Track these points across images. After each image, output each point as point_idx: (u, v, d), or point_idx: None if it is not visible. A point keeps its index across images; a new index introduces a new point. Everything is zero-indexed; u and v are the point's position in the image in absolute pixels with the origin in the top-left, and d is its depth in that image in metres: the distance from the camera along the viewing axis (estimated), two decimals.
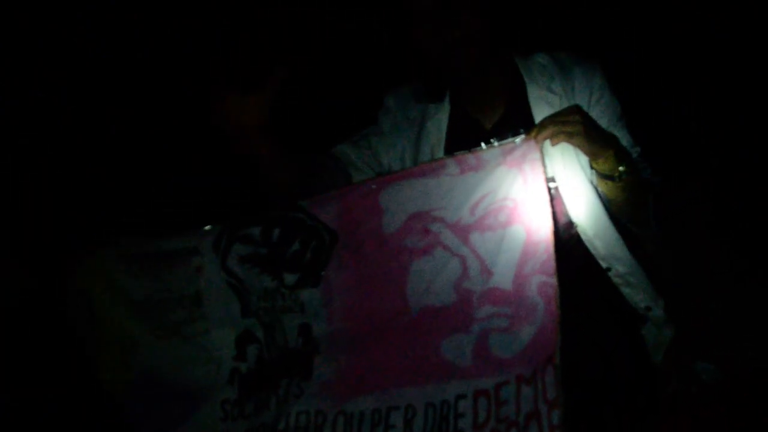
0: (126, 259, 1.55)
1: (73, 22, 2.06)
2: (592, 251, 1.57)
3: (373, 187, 1.47)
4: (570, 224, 1.57)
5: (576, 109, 1.47)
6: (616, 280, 1.57)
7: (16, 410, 1.76)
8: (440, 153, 1.62)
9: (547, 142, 1.45)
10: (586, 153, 1.49)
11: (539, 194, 1.43)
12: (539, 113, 1.59)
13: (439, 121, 1.65)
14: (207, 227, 1.51)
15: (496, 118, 1.65)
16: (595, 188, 1.57)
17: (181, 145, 2.13)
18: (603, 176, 1.52)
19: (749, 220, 1.81)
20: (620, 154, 1.50)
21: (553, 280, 1.35)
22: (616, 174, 1.49)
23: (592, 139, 1.45)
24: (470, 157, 1.45)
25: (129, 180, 2.05)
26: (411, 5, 1.55)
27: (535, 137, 1.44)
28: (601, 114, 1.60)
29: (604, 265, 1.57)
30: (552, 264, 1.38)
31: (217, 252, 1.50)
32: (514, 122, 1.61)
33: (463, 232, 1.42)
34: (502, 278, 1.38)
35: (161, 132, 2.12)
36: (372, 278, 1.44)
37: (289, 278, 1.47)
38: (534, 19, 1.74)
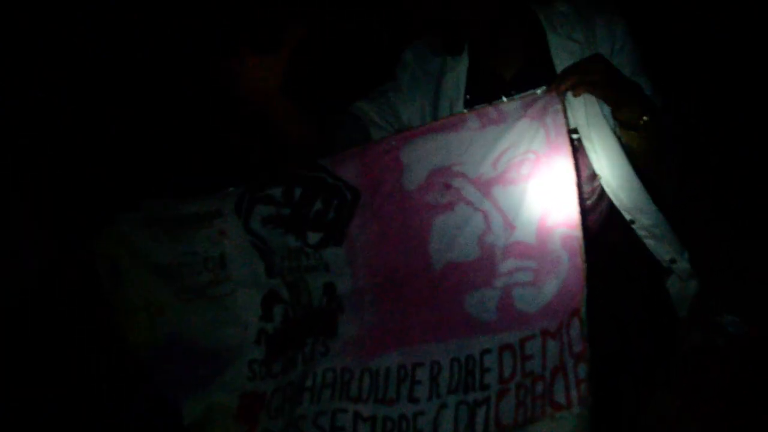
0: (149, 223, 1.55)
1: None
2: (616, 203, 1.54)
3: (393, 143, 1.45)
4: (593, 176, 1.55)
5: (598, 58, 1.44)
6: (640, 232, 1.55)
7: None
8: (459, 106, 1.59)
9: (570, 93, 1.44)
10: (609, 103, 1.46)
11: (562, 146, 1.41)
12: (560, 62, 1.56)
13: (458, 74, 1.62)
14: (229, 189, 1.51)
15: (516, 68, 1.62)
16: (619, 139, 1.53)
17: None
18: (626, 126, 1.48)
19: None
20: (644, 103, 1.47)
21: (577, 233, 1.33)
22: (640, 123, 1.46)
23: (615, 89, 1.42)
24: (491, 111, 1.43)
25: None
26: None
27: (557, 88, 1.42)
28: (624, 63, 1.55)
29: (628, 217, 1.55)
30: (576, 216, 1.36)
31: (239, 214, 1.50)
32: (535, 72, 1.58)
33: (485, 186, 1.41)
34: (526, 232, 1.38)
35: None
36: (395, 235, 1.44)
37: (313, 237, 1.47)
38: None
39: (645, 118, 1.46)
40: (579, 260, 1.30)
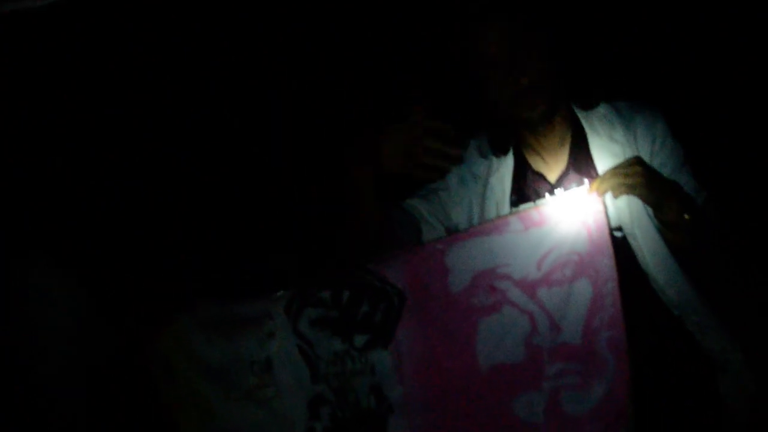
0: (203, 324, 1.58)
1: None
2: (664, 299, 1.53)
3: (439, 247, 1.48)
4: (640, 273, 1.54)
5: (636, 161, 1.46)
6: (690, 327, 1.53)
7: None
8: (505, 208, 1.61)
9: (610, 194, 1.46)
10: (649, 203, 1.47)
11: (604, 247, 1.44)
12: (602, 163, 1.58)
13: (503, 176, 1.64)
14: (279, 293, 1.55)
15: (559, 170, 1.64)
16: (663, 236, 1.53)
17: (253, 213, 2.19)
18: (668, 225, 1.49)
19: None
20: (684, 202, 1.48)
21: (623, 335, 1.33)
22: (681, 222, 1.46)
23: (653, 190, 1.43)
24: (533, 213, 1.46)
25: (204, 247, 2.12)
26: (479, 53, 1.56)
27: (597, 190, 1.45)
28: (666, 160, 1.57)
29: (676, 313, 1.53)
30: (620, 318, 1.37)
31: (289, 315, 1.52)
32: (578, 174, 1.60)
33: (530, 288, 1.42)
34: (572, 333, 1.38)
35: (236, 200, 2.19)
36: (441, 338, 1.45)
37: (359, 339, 1.49)
38: (594, 71, 1.74)
39: (686, 216, 1.46)
40: (624, 364, 1.30)
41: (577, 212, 1.45)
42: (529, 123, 1.59)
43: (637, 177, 1.42)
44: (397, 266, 1.49)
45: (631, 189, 1.43)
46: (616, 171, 1.45)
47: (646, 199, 1.45)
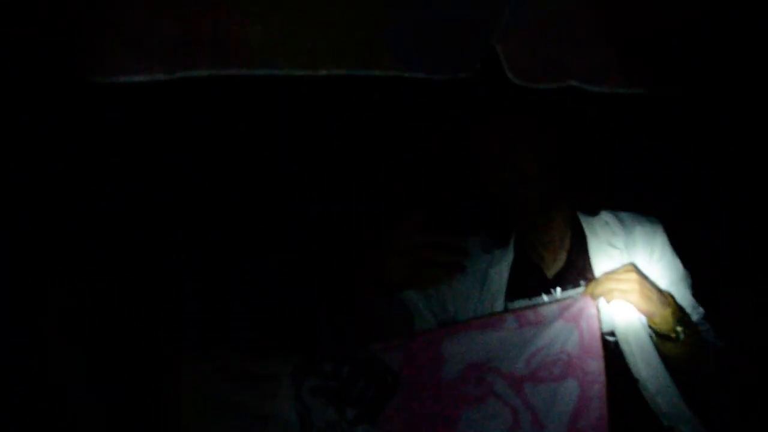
0: (215, 372, 1.69)
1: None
2: (654, 408, 1.52)
3: (438, 336, 1.53)
4: (631, 379, 1.55)
5: (632, 268, 1.49)
6: None
7: None
8: (500, 300, 1.65)
9: (603, 299, 1.49)
10: (642, 312, 1.49)
11: (594, 349, 1.46)
12: (599, 266, 1.61)
13: (502, 269, 1.68)
14: (289, 357, 1.61)
15: (557, 267, 1.67)
16: (655, 345, 1.55)
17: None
18: (660, 335, 1.51)
19: None
20: (677, 315, 1.49)
21: None
22: (673, 335, 1.48)
23: (647, 299, 1.46)
24: (529, 313, 1.50)
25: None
26: (478, 152, 1.63)
27: (591, 293, 1.50)
28: (662, 273, 1.60)
29: (665, 423, 1.52)
30: (605, 423, 1.39)
31: (294, 381, 1.58)
32: (575, 273, 1.64)
33: (516, 382, 1.45)
34: None
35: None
36: (425, 423, 1.47)
37: (350, 412, 1.52)
38: (597, 182, 1.80)
39: (678, 328, 1.48)
40: None
41: (571, 313, 1.49)
42: (521, 216, 1.64)
43: (631, 283, 1.45)
44: (396, 350, 1.53)
45: (624, 295, 1.46)
46: (610, 276, 1.49)
47: (639, 307, 1.48)
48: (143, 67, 1.13)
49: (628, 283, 1.46)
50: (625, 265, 1.52)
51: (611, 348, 1.55)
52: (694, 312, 1.60)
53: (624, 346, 1.56)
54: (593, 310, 1.48)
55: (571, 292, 1.60)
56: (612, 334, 1.57)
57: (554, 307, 1.49)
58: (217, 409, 1.66)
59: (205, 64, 1.15)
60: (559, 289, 1.63)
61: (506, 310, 1.62)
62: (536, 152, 1.61)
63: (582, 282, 1.62)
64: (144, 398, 1.78)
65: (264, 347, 1.72)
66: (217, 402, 1.66)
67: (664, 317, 1.48)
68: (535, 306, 1.52)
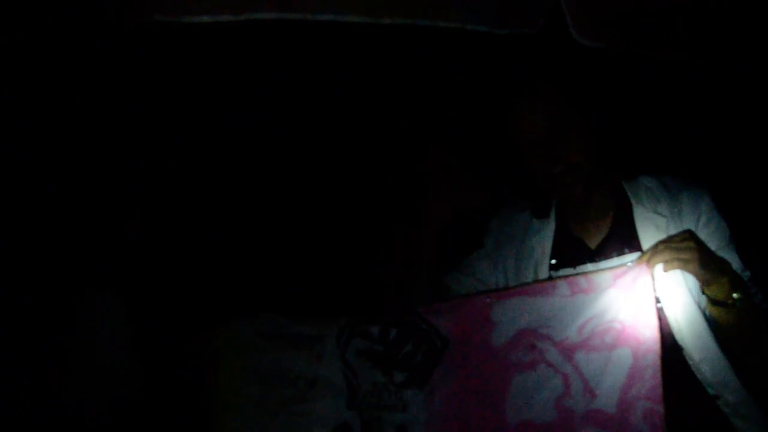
0: (259, 334, 1.63)
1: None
2: (699, 377, 1.46)
3: (488, 300, 1.48)
4: (675, 347, 1.49)
5: (690, 235, 1.43)
6: (725, 409, 1.45)
7: None
8: (544, 269, 1.60)
9: (658, 266, 1.44)
10: (700, 280, 1.42)
11: (648, 318, 1.40)
12: (645, 234, 1.55)
13: (543, 239, 1.64)
14: (334, 319, 1.58)
15: (600, 237, 1.62)
16: (703, 312, 1.48)
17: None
18: (715, 302, 1.44)
19: None
20: (734, 281, 1.43)
21: (660, 408, 1.30)
22: (730, 301, 1.42)
23: (706, 266, 1.40)
24: (581, 280, 1.44)
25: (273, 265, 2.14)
26: (520, 138, 1.59)
27: (648, 261, 1.43)
28: (710, 238, 1.53)
29: (711, 392, 1.46)
30: (659, 391, 1.33)
31: (339, 343, 1.55)
32: (619, 242, 1.58)
33: (568, 350, 1.40)
34: (606, 401, 1.34)
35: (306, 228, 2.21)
36: (475, 387, 1.44)
37: (398, 376, 1.49)
38: (640, 146, 1.75)
39: (735, 295, 1.42)
40: None
41: (624, 281, 1.42)
42: (565, 200, 1.60)
43: (692, 252, 1.39)
44: (445, 313, 1.49)
45: (684, 264, 1.39)
46: (668, 245, 1.41)
47: (698, 275, 1.41)
48: (211, 6, 1.05)
49: (688, 251, 1.40)
50: (681, 233, 1.45)
51: (657, 316, 1.49)
52: (743, 275, 1.53)
53: (669, 313, 1.49)
54: (648, 279, 1.41)
55: (621, 260, 1.54)
56: (658, 300, 1.51)
57: (607, 274, 1.43)
58: (257, 371, 1.61)
59: (272, 6, 1.07)
60: (603, 258, 1.56)
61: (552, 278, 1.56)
62: (583, 141, 1.56)
63: (626, 250, 1.55)
64: (179, 366, 1.74)
65: (308, 310, 1.68)
66: (258, 363, 1.61)
67: (720, 285, 1.42)
68: (587, 273, 1.46)
